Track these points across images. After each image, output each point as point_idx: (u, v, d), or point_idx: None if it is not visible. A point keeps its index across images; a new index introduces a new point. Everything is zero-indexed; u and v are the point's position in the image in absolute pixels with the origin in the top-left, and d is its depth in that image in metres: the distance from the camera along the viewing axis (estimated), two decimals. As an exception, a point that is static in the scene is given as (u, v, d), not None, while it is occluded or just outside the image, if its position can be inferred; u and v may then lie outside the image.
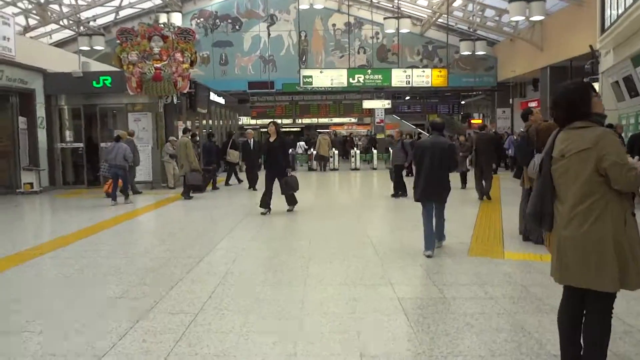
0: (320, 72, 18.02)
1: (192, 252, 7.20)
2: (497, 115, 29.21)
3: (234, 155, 17.02)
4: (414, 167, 7.54)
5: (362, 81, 17.68)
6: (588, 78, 16.98)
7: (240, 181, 17.06)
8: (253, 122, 33.65)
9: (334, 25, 28.26)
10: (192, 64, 15.99)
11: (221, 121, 23.45)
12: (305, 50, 28.10)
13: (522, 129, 7.85)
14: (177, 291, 5.40)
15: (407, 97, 32.24)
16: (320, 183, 19.02)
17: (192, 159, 13.75)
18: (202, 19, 28.35)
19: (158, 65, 15.38)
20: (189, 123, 18.53)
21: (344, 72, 17.91)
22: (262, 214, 10.43)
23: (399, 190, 13.19)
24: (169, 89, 15.56)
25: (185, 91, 16.30)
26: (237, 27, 28.39)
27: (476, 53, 25.06)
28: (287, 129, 36.77)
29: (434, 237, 7.01)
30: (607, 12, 13.85)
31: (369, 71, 18.11)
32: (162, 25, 16.00)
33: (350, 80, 17.67)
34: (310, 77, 17.64)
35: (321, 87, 26.13)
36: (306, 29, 28.13)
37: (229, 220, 10.02)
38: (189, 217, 10.87)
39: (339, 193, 16.06)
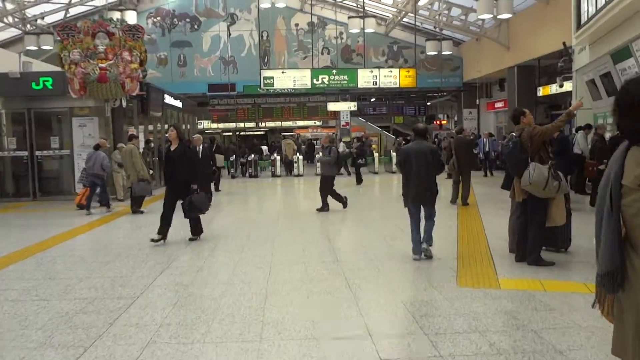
0: (282, 72, 16.70)
1: (123, 291, 5.79)
2: (464, 116, 28.41)
3: (219, 160, 16.75)
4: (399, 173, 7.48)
5: (326, 82, 16.45)
6: (561, 76, 16.16)
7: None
8: (214, 126, 32.08)
9: (296, 25, 26.97)
10: (141, 63, 14.51)
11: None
12: (267, 51, 26.74)
13: (513, 133, 6.69)
14: (90, 358, 4.02)
15: (373, 99, 31.22)
16: (285, 191, 17.73)
17: (139, 167, 12.33)
18: (158, 18, 26.68)
19: (103, 65, 13.85)
20: (141, 128, 16.98)
21: (308, 72, 16.65)
22: (153, 240, 8.30)
23: (325, 205, 11.50)
24: (116, 92, 14.04)
25: (134, 94, 14.78)
26: (195, 26, 26.83)
27: (442, 53, 24.14)
28: (251, 133, 35.42)
29: (422, 240, 7.00)
30: (583, 7, 12.93)
31: (334, 72, 16.88)
32: (108, 21, 14.40)
33: (314, 81, 16.41)
34: (272, 78, 16.29)
35: (283, 89, 24.87)
36: (268, 28, 26.77)
37: (178, 243, 8.61)
38: (133, 237, 9.40)
39: (303, 202, 14.79)
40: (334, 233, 9.33)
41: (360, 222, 10.47)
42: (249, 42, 26.71)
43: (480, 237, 8.42)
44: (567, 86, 17.84)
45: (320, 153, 12.40)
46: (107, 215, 12.11)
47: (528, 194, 6.50)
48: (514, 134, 6.72)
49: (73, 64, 13.71)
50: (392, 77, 16.47)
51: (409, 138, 33.63)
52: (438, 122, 37.10)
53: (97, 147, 12.57)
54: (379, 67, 17.14)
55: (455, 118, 36.00)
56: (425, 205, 6.99)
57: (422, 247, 6.96)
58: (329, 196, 11.54)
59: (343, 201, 11.57)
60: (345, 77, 16.49)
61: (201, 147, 11.86)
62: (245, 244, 8.37)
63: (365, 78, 16.42)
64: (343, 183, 16.08)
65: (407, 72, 16.63)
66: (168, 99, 19.56)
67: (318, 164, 15.65)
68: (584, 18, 12.86)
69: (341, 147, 20.15)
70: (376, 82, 16.42)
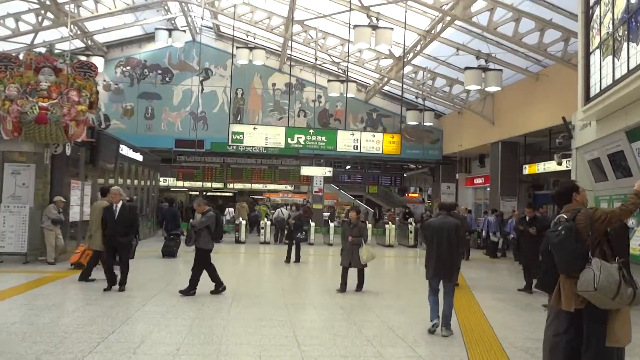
0: (254, 128, 14.71)
1: None
2: (442, 190, 26.76)
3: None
4: None
5: (302, 142, 14.52)
6: (560, 154, 14.60)
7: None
8: (180, 184, 29.76)
9: (274, 84, 25.43)
10: (91, 106, 12.37)
11: (136, 181, 19.53)
12: (240, 109, 25.01)
13: (563, 215, 4.72)
14: None
15: (348, 167, 29.53)
16: (247, 261, 15.43)
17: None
18: (128, 67, 24.82)
19: (44, 104, 11.66)
20: (89, 181, 14.67)
21: (282, 130, 14.70)
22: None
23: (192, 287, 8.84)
24: (58, 136, 11.80)
25: (80, 140, 12.56)
26: (167, 78, 25.02)
27: (424, 124, 22.72)
28: (219, 194, 33.15)
29: (440, 323, 6.71)
30: (593, 80, 11.47)
31: (312, 131, 14.98)
32: (56, 56, 12.38)
33: (289, 140, 14.47)
34: (242, 134, 14.29)
35: (254, 147, 22.94)
36: (243, 86, 25.17)
37: (104, 324, 6.26)
38: (54, 314, 6.98)
39: (268, 277, 12.49)
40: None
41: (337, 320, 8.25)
42: (222, 98, 24.97)
43: (485, 328, 6.28)
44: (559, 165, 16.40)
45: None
46: (33, 279, 9.66)
47: (585, 302, 4.49)
48: (564, 216, 4.76)
49: (8, 100, 11.50)
50: (375, 142, 14.65)
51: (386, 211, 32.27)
52: (409, 195, 35.61)
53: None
54: (360, 131, 15.43)
55: (429, 192, 34.53)
56: (445, 280, 6.88)
57: (442, 334, 6.61)
58: (208, 274, 8.98)
59: (218, 287, 9.00)
60: (324, 138, 14.62)
61: (119, 204, 9.09)
62: None
63: (345, 141, 14.58)
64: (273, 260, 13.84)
65: (391, 137, 14.86)
66: (126, 151, 17.38)
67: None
68: (594, 91, 11.35)
69: (284, 213, 18.13)
70: (357, 147, 14.57)
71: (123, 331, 6.33)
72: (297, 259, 14.12)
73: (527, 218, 11.02)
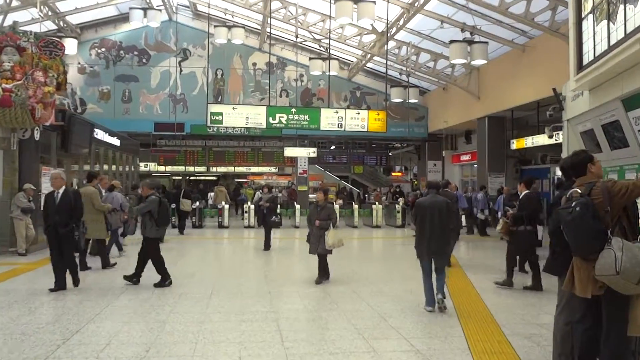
0: (234, 108, 13.94)
1: None
2: (428, 168, 26.27)
3: (186, 205, 16.92)
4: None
5: (284, 122, 13.82)
6: (550, 127, 14.08)
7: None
8: (162, 169, 28.89)
9: (254, 64, 24.54)
10: (59, 87, 11.55)
11: (114, 166, 18.70)
12: (220, 90, 24.11)
13: (577, 190, 4.12)
14: None
15: (333, 147, 28.86)
16: (231, 248, 14.77)
17: (104, 208, 10.15)
18: (103, 49, 23.75)
19: (8, 86, 10.81)
20: (62, 168, 13.86)
21: (263, 110, 13.96)
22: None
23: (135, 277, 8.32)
24: (24, 119, 10.96)
25: (48, 123, 11.76)
26: (144, 60, 24.00)
27: (408, 101, 22.09)
28: (203, 178, 32.36)
29: (435, 292, 6.71)
30: (586, 47, 10.87)
31: (294, 110, 14.24)
32: (19, 34, 11.47)
33: (271, 120, 13.75)
34: (220, 114, 13.52)
35: (234, 128, 22.15)
36: (223, 66, 24.28)
37: (69, 322, 5.60)
38: (14, 312, 6.30)
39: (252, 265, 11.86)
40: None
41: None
42: (201, 80, 24.03)
43: (492, 327, 5.74)
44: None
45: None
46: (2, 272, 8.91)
47: (604, 287, 3.93)
48: (578, 191, 4.16)
49: (-32, 83, 10.64)
50: (360, 120, 13.99)
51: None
52: (394, 174, 35.07)
53: (111, 188, 11.28)
54: (345, 109, 14.74)
55: (415, 170, 34.04)
56: (437, 259, 6.84)
57: (437, 297, 6.68)
58: (154, 265, 8.26)
59: (164, 281, 8.15)
60: (307, 117, 13.90)
61: (61, 190, 7.87)
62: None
63: (329, 119, 13.90)
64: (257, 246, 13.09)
65: (376, 115, 14.19)
66: (101, 135, 16.54)
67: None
68: (586, 59, 10.76)
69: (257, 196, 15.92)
70: (341, 125, 13.90)
71: (88, 330, 5.69)
72: (267, 246, 12.71)
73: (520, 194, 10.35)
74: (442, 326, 6.04)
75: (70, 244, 7.85)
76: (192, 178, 33.60)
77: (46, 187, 12.60)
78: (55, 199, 7.84)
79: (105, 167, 17.63)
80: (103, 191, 10.92)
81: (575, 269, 4.13)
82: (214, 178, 33.36)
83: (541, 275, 8.18)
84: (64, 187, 7.99)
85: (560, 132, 13.88)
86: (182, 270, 9.70)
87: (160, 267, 8.26)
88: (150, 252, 8.25)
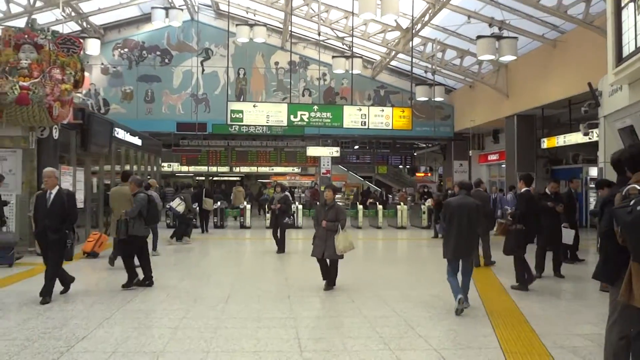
0: (254, 106, 13.59)
1: None
2: (454, 168, 25.59)
3: (209, 204, 16.44)
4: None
5: (306, 120, 13.40)
6: (585, 124, 13.38)
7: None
8: (185, 169, 28.77)
9: (276, 63, 24.22)
10: (76, 85, 11.30)
11: (135, 166, 18.52)
12: (243, 90, 23.84)
13: (635, 186, 3.59)
14: None
15: (356, 147, 28.36)
16: (251, 250, 14.40)
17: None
18: (126, 50, 23.69)
19: (25, 84, 10.58)
20: (81, 167, 13.66)
21: (284, 107, 13.59)
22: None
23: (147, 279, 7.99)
24: (41, 117, 10.74)
25: (66, 121, 11.54)
26: (166, 60, 23.87)
27: (434, 99, 21.48)
28: (226, 178, 32.19)
29: (460, 292, 6.45)
30: (626, 39, 10.20)
31: (316, 107, 13.83)
32: (37, 32, 11.27)
33: (292, 118, 13.36)
34: (241, 112, 13.17)
35: (256, 127, 21.82)
36: (245, 66, 24.02)
37: (76, 327, 5.26)
38: (22, 315, 6.00)
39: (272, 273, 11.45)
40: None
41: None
42: (223, 79, 23.77)
43: (533, 341, 5.21)
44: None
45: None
46: (19, 272, 8.66)
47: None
48: (638, 187, 3.64)
49: (-15, 81, 10.45)
50: (384, 118, 13.49)
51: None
52: (419, 175, 34.35)
53: (147, 187, 10.84)
54: (368, 105, 14.25)
55: (440, 171, 33.31)
56: (464, 261, 6.73)
57: (459, 297, 6.37)
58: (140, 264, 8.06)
59: (144, 282, 7.90)
60: (329, 114, 13.47)
61: (55, 191, 7.15)
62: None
63: (352, 117, 13.43)
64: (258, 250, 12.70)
65: (401, 112, 13.67)
66: (122, 134, 16.35)
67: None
68: (626, 50, 10.10)
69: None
70: (365, 123, 13.42)
71: (96, 336, 5.33)
72: (281, 249, 12.05)
73: (551, 193, 9.64)
74: (474, 335, 5.54)
75: (58, 250, 7.03)
76: (215, 178, 33.47)
77: (66, 186, 12.41)
78: (47, 201, 7.06)
79: (127, 167, 17.44)
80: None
81: (634, 276, 3.60)
82: (237, 178, 33.18)
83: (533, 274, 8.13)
84: (57, 187, 7.24)
85: (596, 130, 13.18)
86: (200, 272, 9.35)
87: (130, 267, 7.82)
88: (135, 250, 7.94)
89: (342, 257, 7.82)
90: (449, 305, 6.58)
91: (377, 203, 21.45)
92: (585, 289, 8.37)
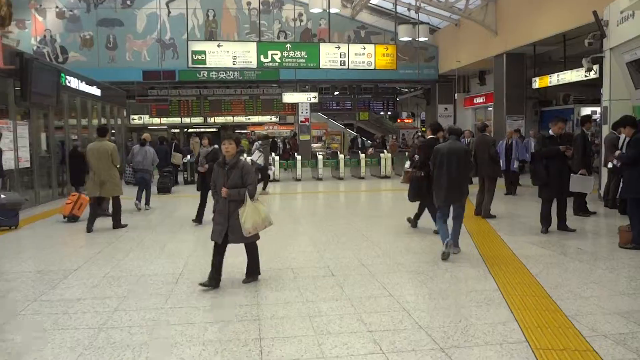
0: (219, 46, 11.84)
1: None
2: (439, 112, 24.08)
3: (177, 158, 16.56)
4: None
5: (278, 60, 11.72)
6: (589, 58, 11.86)
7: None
8: (156, 121, 26.86)
9: (248, 3, 22.06)
10: (2, 22, 9.43)
11: (95, 120, 16.70)
12: (213, 33, 21.74)
13: None
14: None
15: (336, 92, 26.61)
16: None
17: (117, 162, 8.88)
18: (83, -9, 21.33)
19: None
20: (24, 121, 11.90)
21: (253, 46, 11.84)
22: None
23: None
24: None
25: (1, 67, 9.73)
26: (128, 2, 21.58)
27: (418, 39, 19.74)
28: (202, 129, 30.32)
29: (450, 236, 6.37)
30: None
31: (289, 46, 12.11)
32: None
33: (262, 58, 11.66)
34: (203, 53, 11.46)
35: (222, 71, 19.94)
36: (215, 7, 21.86)
37: None
38: None
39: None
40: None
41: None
42: (192, 22, 21.66)
43: (564, 328, 3.89)
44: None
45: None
46: None
47: None
48: None
49: None
50: (366, 56, 11.88)
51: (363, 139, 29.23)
52: (401, 121, 32.78)
53: (144, 142, 11.32)
54: (347, 43, 12.54)
55: (422, 116, 31.78)
56: (455, 204, 6.57)
57: (448, 241, 6.29)
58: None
59: None
60: (304, 53, 11.79)
61: None
62: None
63: (329, 56, 11.79)
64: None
65: (384, 49, 12.05)
66: (76, 84, 14.48)
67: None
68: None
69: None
70: (344, 62, 11.81)
71: None
72: (198, 219, 9.16)
73: (557, 136, 8.03)
74: (491, 323, 4.20)
75: None
76: (190, 130, 31.61)
77: (5, 143, 10.70)
78: None
79: (84, 120, 15.64)
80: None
81: None
82: (214, 130, 31.33)
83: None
84: None
85: (595, 66, 11.67)
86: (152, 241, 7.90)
87: None
88: None
89: (257, 238, 5.41)
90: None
91: (384, 151, 19.81)
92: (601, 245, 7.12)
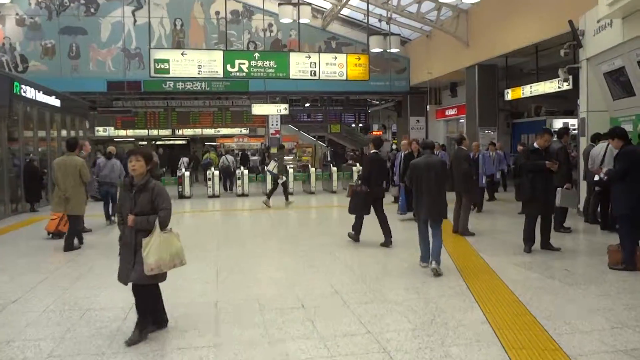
0: (183, 54, 11.16)
1: None
2: (411, 125, 23.71)
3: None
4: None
5: (246, 70, 11.10)
6: (565, 67, 11.55)
7: None
8: (122, 133, 25.84)
9: (217, 13, 21.38)
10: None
11: (55, 132, 15.76)
12: (181, 43, 20.98)
13: None
14: None
15: (307, 104, 26.08)
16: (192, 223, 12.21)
17: (87, 179, 8.32)
18: (44, -2, 20.37)
19: None
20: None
21: (219, 55, 11.21)
22: None
23: None
24: None
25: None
26: (92, 9, 20.67)
27: (390, 51, 19.36)
28: (172, 142, 29.39)
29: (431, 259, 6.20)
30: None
31: (257, 55, 11.51)
32: None
33: (229, 68, 11.03)
34: (167, 62, 10.78)
35: (188, 81, 19.21)
36: (182, 16, 21.13)
37: None
38: None
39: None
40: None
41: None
42: (159, 31, 20.89)
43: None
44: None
45: None
46: None
47: None
48: None
49: None
50: (337, 66, 11.37)
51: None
52: (372, 133, 32.40)
53: (110, 155, 10.91)
54: (318, 52, 12.02)
55: (394, 128, 31.46)
56: (435, 222, 6.32)
57: (431, 267, 6.11)
58: None
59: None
60: (273, 63, 11.21)
61: None
62: None
63: (299, 66, 11.24)
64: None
65: (357, 59, 11.56)
66: (32, 93, 13.56)
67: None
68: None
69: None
70: (315, 72, 11.28)
71: None
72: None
73: (542, 149, 7.57)
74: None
75: None
76: (159, 143, 30.62)
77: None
78: None
79: (42, 132, 14.70)
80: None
81: None
82: (184, 142, 30.40)
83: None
84: None
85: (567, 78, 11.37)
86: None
87: None
88: None
89: (161, 279, 4.34)
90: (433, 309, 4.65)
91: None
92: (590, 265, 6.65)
